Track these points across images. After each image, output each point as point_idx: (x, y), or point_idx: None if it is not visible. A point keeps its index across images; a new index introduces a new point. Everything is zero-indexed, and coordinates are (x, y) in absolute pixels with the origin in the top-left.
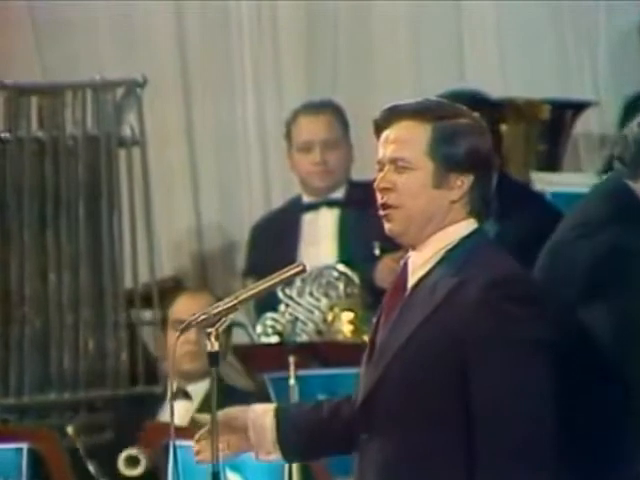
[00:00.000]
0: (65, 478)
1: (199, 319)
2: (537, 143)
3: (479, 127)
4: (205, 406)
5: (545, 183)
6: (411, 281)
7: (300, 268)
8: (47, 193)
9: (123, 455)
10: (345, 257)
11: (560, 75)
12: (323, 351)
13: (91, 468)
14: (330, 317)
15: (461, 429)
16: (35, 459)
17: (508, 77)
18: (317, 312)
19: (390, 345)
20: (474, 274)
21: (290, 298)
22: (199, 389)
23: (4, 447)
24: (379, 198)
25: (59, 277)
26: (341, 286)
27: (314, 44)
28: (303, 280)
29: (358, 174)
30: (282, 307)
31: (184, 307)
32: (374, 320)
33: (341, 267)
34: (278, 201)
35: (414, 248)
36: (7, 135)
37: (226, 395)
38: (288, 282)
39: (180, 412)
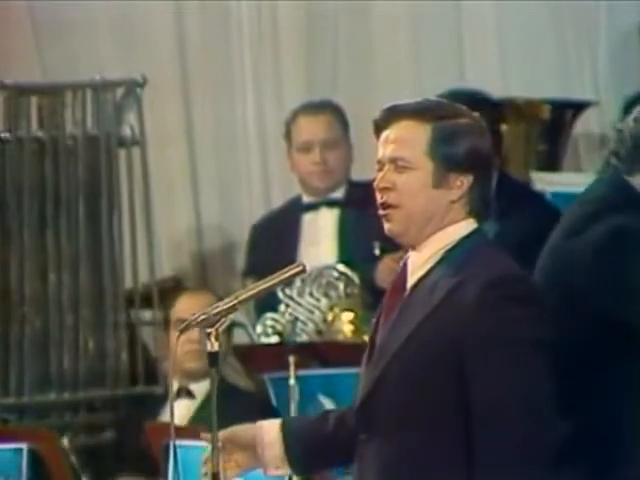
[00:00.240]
0: (65, 478)
1: (199, 319)
2: (537, 143)
3: (479, 127)
4: (207, 404)
5: (545, 183)
6: (410, 281)
7: (300, 268)
8: (47, 193)
9: None
10: (345, 257)
11: (560, 75)
12: (323, 351)
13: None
14: (330, 317)
15: (460, 429)
16: (35, 459)
17: (508, 77)
18: (317, 312)
19: (389, 345)
20: (473, 274)
21: (290, 298)
22: (202, 388)
23: (4, 447)
24: (378, 197)
25: (59, 277)
26: (341, 286)
27: (314, 44)
28: (303, 280)
29: (358, 174)
30: (282, 307)
31: (186, 307)
32: (374, 320)
33: (341, 267)
34: (278, 201)
35: (414, 248)
36: (7, 135)
37: (227, 395)
38: (288, 282)
39: (182, 411)
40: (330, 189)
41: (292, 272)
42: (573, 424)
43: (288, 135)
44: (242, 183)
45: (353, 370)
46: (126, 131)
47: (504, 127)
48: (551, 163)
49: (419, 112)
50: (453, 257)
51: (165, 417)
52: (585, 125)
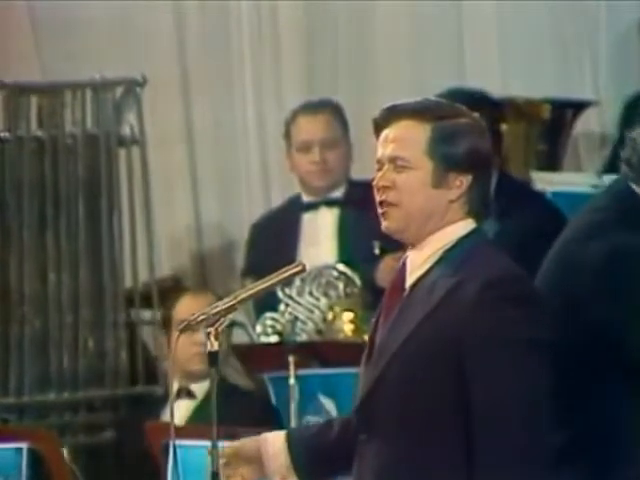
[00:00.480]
0: (65, 478)
1: (198, 319)
2: (537, 142)
3: (478, 127)
4: (206, 404)
5: (545, 182)
6: (409, 281)
7: (300, 268)
8: (47, 192)
9: None
10: (345, 257)
11: (560, 74)
12: (323, 351)
13: None
14: (330, 317)
15: (460, 429)
16: (35, 459)
17: (508, 76)
18: (317, 312)
19: (389, 345)
20: (472, 274)
21: (290, 298)
22: (202, 388)
23: (4, 447)
24: (377, 196)
25: (58, 276)
26: (341, 286)
27: (314, 43)
28: (303, 280)
29: (358, 174)
30: (282, 307)
31: (187, 308)
32: (373, 320)
33: (341, 267)
34: (277, 200)
35: (413, 246)
36: (6, 134)
37: (228, 394)
38: (288, 282)
39: (182, 411)
40: (330, 188)
41: (292, 271)
42: (573, 424)
43: (287, 135)
44: (242, 182)
45: (353, 370)
46: (126, 130)
47: (504, 127)
48: (551, 163)
49: (419, 112)
50: (452, 257)
51: (166, 417)
52: (585, 125)
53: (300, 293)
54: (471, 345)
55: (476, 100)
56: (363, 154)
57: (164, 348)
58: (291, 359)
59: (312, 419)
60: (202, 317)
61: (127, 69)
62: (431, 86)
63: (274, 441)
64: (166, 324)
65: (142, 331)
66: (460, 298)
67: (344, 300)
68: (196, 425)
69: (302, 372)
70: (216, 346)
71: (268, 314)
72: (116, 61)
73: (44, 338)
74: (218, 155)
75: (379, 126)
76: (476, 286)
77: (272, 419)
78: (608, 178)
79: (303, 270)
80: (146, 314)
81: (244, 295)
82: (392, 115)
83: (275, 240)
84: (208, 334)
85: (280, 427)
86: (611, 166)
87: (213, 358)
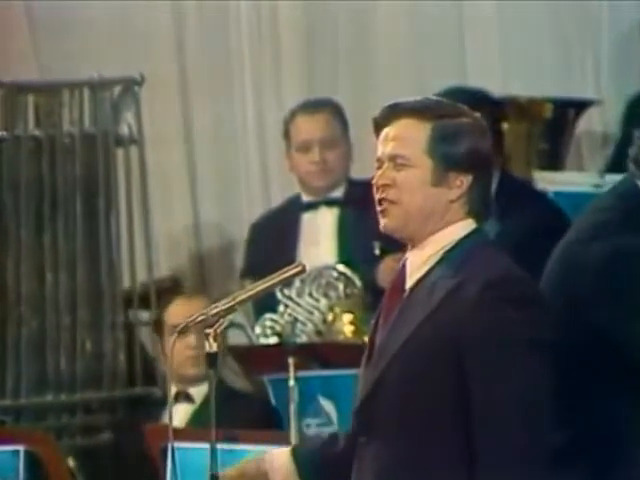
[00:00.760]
0: None
1: (197, 320)
2: (539, 142)
3: (480, 127)
4: (204, 408)
5: (547, 182)
6: (409, 282)
7: (299, 268)
8: (44, 192)
9: None
10: (345, 257)
11: (562, 73)
12: (323, 352)
13: None
14: (330, 318)
15: (460, 429)
16: (32, 461)
17: (510, 75)
18: (316, 313)
19: (389, 346)
20: (472, 275)
21: (289, 299)
22: (200, 391)
23: (1, 449)
24: (377, 194)
25: (56, 277)
26: (341, 286)
27: (314, 42)
28: (302, 280)
29: (358, 173)
30: (281, 308)
31: (179, 311)
32: (372, 321)
33: (341, 267)
34: (277, 200)
35: (412, 247)
36: (4, 133)
37: (226, 397)
38: (287, 282)
39: (181, 415)
40: (329, 188)
41: (291, 272)
42: (574, 424)
43: (287, 134)
44: (241, 182)
45: (353, 371)
46: (124, 130)
47: (506, 126)
48: (553, 162)
49: (419, 110)
50: (452, 257)
51: (165, 421)
52: (588, 124)
53: (300, 294)
54: (471, 345)
55: (477, 99)
56: (363, 154)
57: (159, 351)
58: (291, 361)
59: (312, 421)
60: (201, 318)
61: (126, 69)
62: (432, 85)
63: (280, 456)
64: (158, 327)
65: (140, 332)
66: (460, 299)
67: (344, 301)
68: (195, 428)
69: (302, 374)
70: (215, 347)
71: (267, 315)
72: (115, 61)
73: (41, 339)
74: (217, 155)
75: (379, 125)
76: (477, 287)
77: (272, 421)
78: (610, 178)
79: (303, 271)
80: (144, 315)
81: (243, 296)
82: (392, 113)
83: (275, 240)
84: (207, 335)
85: (280, 429)
86: (614, 165)
87: (212, 360)
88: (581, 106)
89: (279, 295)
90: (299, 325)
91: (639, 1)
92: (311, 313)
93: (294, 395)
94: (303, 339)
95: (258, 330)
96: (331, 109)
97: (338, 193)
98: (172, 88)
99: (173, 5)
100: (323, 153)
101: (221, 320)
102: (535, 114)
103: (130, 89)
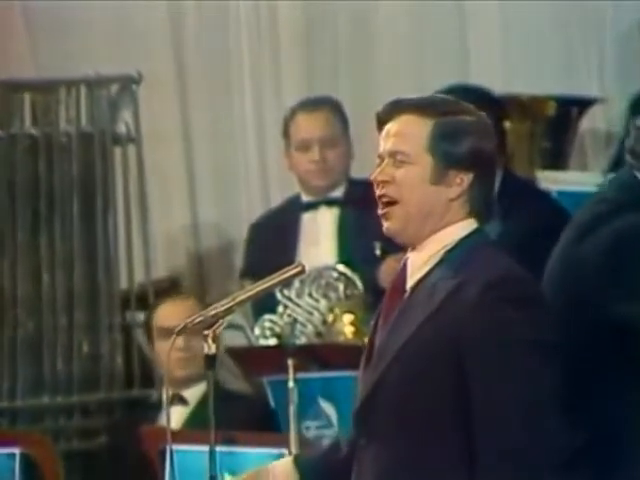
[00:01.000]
0: None
1: (195, 321)
2: (542, 140)
3: (484, 127)
4: (199, 410)
5: (550, 181)
6: (410, 282)
7: (299, 269)
8: (40, 191)
9: None
10: (345, 257)
11: (566, 71)
12: (323, 353)
13: None
14: (330, 319)
15: (460, 429)
16: (28, 464)
17: (512, 73)
18: (316, 314)
19: (389, 348)
20: (473, 275)
21: (289, 299)
22: (195, 393)
23: None
24: (377, 191)
25: (52, 277)
26: (341, 287)
27: (314, 40)
28: (302, 281)
29: (358, 172)
30: (280, 308)
31: (168, 314)
32: (372, 322)
33: (341, 268)
34: (276, 200)
35: (413, 248)
36: None
37: (222, 399)
38: (287, 283)
39: (175, 418)
40: (329, 188)
41: (291, 273)
42: (574, 425)
43: (286, 133)
44: (240, 181)
45: (353, 373)
46: (121, 128)
47: (508, 124)
48: (556, 161)
49: (422, 107)
50: (452, 258)
51: (161, 424)
52: (591, 122)
53: (299, 295)
54: (471, 345)
55: (478, 98)
56: (363, 152)
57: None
58: (290, 362)
59: (312, 423)
60: (199, 319)
61: (124, 68)
62: (434, 83)
63: (283, 466)
64: (149, 330)
65: (138, 333)
66: (461, 299)
67: (344, 302)
68: (193, 430)
69: (301, 375)
70: (213, 349)
71: (267, 316)
72: (113, 61)
73: (38, 341)
74: (216, 153)
75: (382, 120)
76: (477, 287)
77: (268, 423)
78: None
79: (302, 271)
80: (142, 316)
81: (242, 297)
82: (395, 109)
83: (274, 240)
84: (205, 337)
85: (277, 431)
86: (617, 164)
87: (210, 361)
88: (585, 104)
89: (278, 296)
90: (299, 326)
91: None
92: (311, 314)
93: (294, 397)
94: (303, 340)
95: (257, 331)
96: (331, 107)
97: (338, 193)
98: (170, 86)
99: (171, 4)
100: (323, 152)
101: (220, 321)
102: (538, 112)
103: (128, 87)
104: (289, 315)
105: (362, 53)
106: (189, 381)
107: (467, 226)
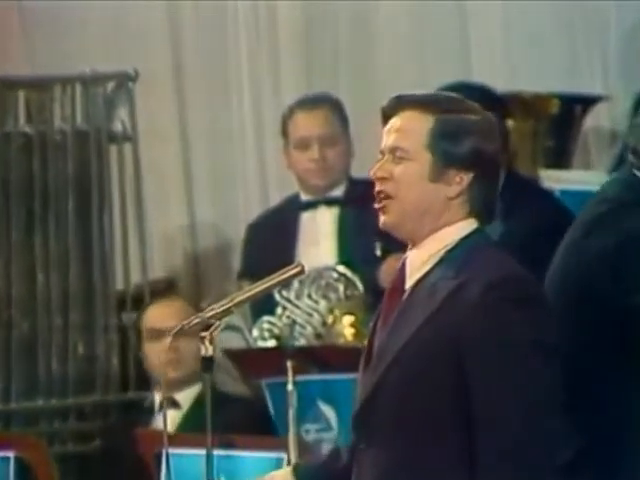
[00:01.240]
0: None
1: (192, 323)
2: (545, 139)
3: (488, 126)
4: (192, 414)
5: (554, 181)
6: (409, 283)
7: (298, 269)
8: (35, 190)
9: None
10: (345, 257)
11: (569, 69)
12: (322, 356)
13: None
14: (330, 320)
15: (460, 430)
16: (22, 468)
17: (515, 71)
18: (316, 315)
19: (388, 349)
20: (473, 276)
21: (288, 300)
22: (187, 397)
23: None
24: (376, 187)
25: (47, 278)
26: (341, 288)
27: (313, 39)
28: (301, 282)
29: (358, 172)
30: (279, 310)
31: (156, 316)
32: (371, 324)
33: (341, 268)
34: (275, 199)
35: (413, 246)
36: None
37: (217, 402)
38: (286, 284)
39: (168, 421)
40: (329, 187)
41: (290, 273)
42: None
43: (285, 131)
44: (238, 180)
45: (353, 375)
46: (117, 126)
47: (511, 123)
48: (560, 160)
49: (425, 103)
50: (453, 258)
51: (154, 427)
52: (595, 120)
53: (299, 296)
54: (472, 345)
55: (480, 96)
56: (364, 151)
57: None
58: (289, 364)
59: (311, 426)
60: (196, 321)
61: (120, 63)
62: (435, 81)
63: (281, 473)
64: (140, 333)
65: (134, 335)
66: (462, 300)
67: (344, 303)
68: (190, 433)
69: (301, 378)
70: (211, 351)
71: (265, 317)
72: (110, 60)
73: (32, 342)
74: (214, 152)
75: (386, 115)
76: (479, 288)
77: (265, 425)
78: None
79: (302, 272)
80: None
81: (240, 298)
82: (399, 104)
83: (273, 240)
84: (202, 338)
85: (273, 434)
86: (621, 163)
87: (207, 364)
88: (588, 102)
89: (277, 297)
90: (298, 328)
91: None
92: (310, 315)
93: (293, 400)
94: (302, 342)
95: (256, 333)
96: (330, 105)
97: (338, 192)
98: (168, 85)
99: (169, 4)
100: (322, 150)
101: (217, 323)
102: (541, 110)
103: (124, 84)
104: (288, 316)
105: (362, 53)
106: (180, 383)
107: (467, 226)
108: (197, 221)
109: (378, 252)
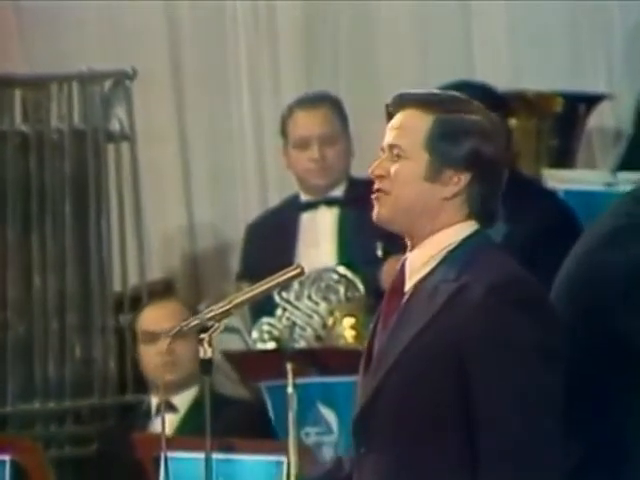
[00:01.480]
0: None
1: (191, 324)
2: (549, 138)
3: (490, 127)
4: (190, 416)
5: (557, 180)
6: (408, 284)
7: (298, 270)
8: (31, 190)
9: None
10: (345, 258)
11: (573, 67)
12: (322, 358)
13: None
14: (330, 322)
15: (460, 431)
16: (18, 471)
17: (519, 69)
18: (316, 317)
19: (388, 352)
20: (474, 278)
21: (287, 302)
22: (184, 400)
23: None
24: (375, 185)
25: (44, 279)
26: (341, 289)
27: (313, 38)
28: (301, 283)
29: (358, 171)
30: (279, 311)
31: (150, 318)
32: (371, 326)
33: (341, 269)
34: (274, 200)
35: (413, 246)
36: None
37: (216, 404)
38: (285, 285)
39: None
40: (329, 187)
41: (290, 274)
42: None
43: (284, 131)
44: (237, 181)
45: (354, 378)
46: (115, 125)
47: (514, 122)
48: (564, 159)
49: (425, 102)
50: (454, 259)
51: (151, 431)
52: (599, 119)
53: (298, 297)
54: (473, 346)
55: (481, 94)
56: (364, 150)
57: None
58: (289, 367)
59: (311, 430)
60: (195, 322)
61: (117, 61)
62: (438, 80)
63: None
64: (135, 335)
65: (130, 337)
66: (463, 302)
67: (345, 305)
68: (188, 436)
69: (300, 380)
70: (209, 353)
71: (265, 319)
72: (108, 59)
73: (28, 344)
74: (212, 152)
75: (390, 112)
76: (480, 290)
77: (263, 428)
78: (623, 175)
79: (302, 273)
80: None
81: (240, 299)
82: (401, 102)
83: (272, 241)
84: (201, 340)
85: (272, 437)
86: (626, 163)
87: (206, 366)
88: (592, 101)
89: (277, 298)
90: (298, 330)
91: None
92: (310, 317)
93: (292, 403)
94: (302, 344)
95: (255, 335)
96: (330, 104)
97: (338, 192)
98: (166, 84)
99: (167, 3)
100: (322, 150)
101: (216, 324)
102: (544, 109)
103: (121, 83)
104: (288, 318)
105: (363, 53)
106: (177, 386)
107: (467, 228)
108: (196, 221)
109: (379, 253)
